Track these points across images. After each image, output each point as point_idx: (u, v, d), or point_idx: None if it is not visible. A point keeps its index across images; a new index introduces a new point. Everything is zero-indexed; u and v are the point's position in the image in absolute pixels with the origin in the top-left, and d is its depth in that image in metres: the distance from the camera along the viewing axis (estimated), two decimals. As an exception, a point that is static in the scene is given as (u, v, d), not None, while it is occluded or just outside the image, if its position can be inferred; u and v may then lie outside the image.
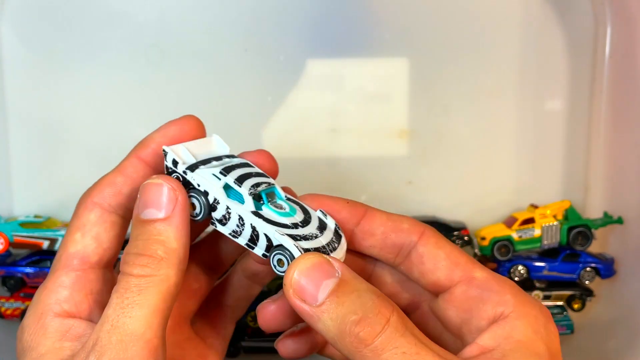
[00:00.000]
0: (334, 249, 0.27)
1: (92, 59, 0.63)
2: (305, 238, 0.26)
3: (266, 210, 0.27)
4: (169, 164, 0.28)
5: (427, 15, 0.63)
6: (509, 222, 0.64)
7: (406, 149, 0.65)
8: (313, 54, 0.64)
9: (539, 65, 0.65)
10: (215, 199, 0.27)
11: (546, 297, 0.63)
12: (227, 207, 0.27)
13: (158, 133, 0.30)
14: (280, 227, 0.26)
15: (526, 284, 0.63)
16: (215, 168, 0.28)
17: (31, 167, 0.65)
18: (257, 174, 0.29)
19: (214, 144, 0.30)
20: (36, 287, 0.30)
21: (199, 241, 0.33)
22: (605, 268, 0.62)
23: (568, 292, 0.63)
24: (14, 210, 0.65)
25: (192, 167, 0.28)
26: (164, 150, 0.28)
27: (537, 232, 0.63)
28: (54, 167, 0.65)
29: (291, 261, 0.25)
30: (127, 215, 0.29)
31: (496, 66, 0.65)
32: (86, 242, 0.28)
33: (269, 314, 0.31)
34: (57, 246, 0.59)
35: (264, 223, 0.26)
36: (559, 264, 0.63)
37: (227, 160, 0.29)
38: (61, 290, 0.27)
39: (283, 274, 0.26)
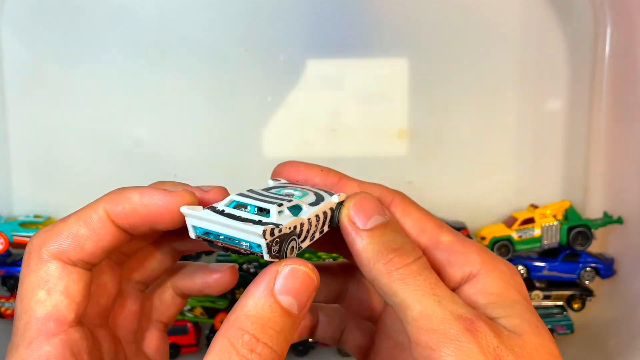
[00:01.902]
0: None
1: (92, 59, 0.63)
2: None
3: (302, 200, 0.28)
4: (269, 237, 0.24)
5: (427, 15, 0.63)
6: (509, 222, 0.64)
7: (406, 149, 0.65)
8: (313, 54, 0.64)
9: (539, 66, 0.65)
10: (300, 225, 0.27)
11: (546, 297, 0.63)
12: (308, 220, 0.27)
13: (140, 196, 0.25)
14: (320, 201, 0.28)
15: (526, 284, 0.63)
16: (265, 206, 0.26)
17: (31, 167, 0.65)
18: (262, 191, 0.29)
19: (199, 209, 0.27)
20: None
21: (130, 259, 0.31)
22: (605, 268, 0.62)
23: (568, 292, 0.63)
24: (14, 210, 0.65)
25: (275, 224, 0.25)
26: (263, 233, 0.24)
27: (537, 232, 0.63)
28: (54, 167, 0.65)
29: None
30: (89, 268, 0.25)
31: (496, 66, 0.65)
32: (56, 300, 0.24)
33: None
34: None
35: (320, 204, 0.28)
36: (559, 264, 0.63)
37: (229, 209, 0.27)
38: None
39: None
